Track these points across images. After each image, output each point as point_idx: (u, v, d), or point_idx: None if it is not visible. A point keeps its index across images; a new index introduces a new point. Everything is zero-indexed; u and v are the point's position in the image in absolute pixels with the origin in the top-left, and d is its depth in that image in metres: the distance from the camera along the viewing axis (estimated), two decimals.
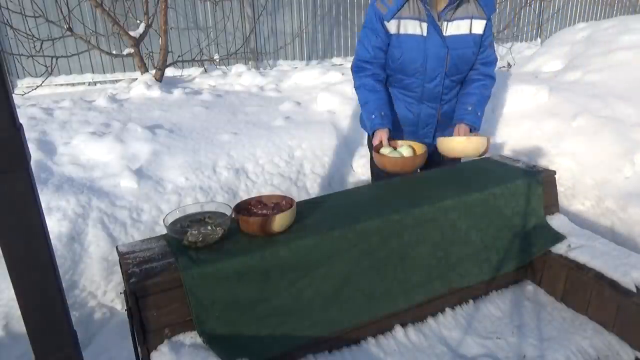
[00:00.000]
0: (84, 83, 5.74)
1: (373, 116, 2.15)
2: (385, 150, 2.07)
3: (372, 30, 2.11)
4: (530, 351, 1.68)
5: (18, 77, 5.42)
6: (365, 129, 2.42)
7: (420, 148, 2.10)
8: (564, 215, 2.17)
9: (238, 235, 1.65)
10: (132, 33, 4.87)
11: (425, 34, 2.06)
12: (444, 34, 2.06)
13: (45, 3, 5.24)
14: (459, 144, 2.06)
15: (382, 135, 2.16)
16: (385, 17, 2.05)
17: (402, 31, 2.07)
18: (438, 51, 2.08)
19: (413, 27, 2.06)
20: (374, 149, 2.13)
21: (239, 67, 5.90)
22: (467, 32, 2.09)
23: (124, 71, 5.89)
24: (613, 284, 1.74)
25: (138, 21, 5.38)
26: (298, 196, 2.89)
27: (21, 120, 1.18)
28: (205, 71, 5.97)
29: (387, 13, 2.04)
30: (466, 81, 2.26)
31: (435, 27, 2.04)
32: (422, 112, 2.27)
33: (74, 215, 2.36)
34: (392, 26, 2.07)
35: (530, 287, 2.06)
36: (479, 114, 2.22)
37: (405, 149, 2.07)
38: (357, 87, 2.24)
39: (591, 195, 2.95)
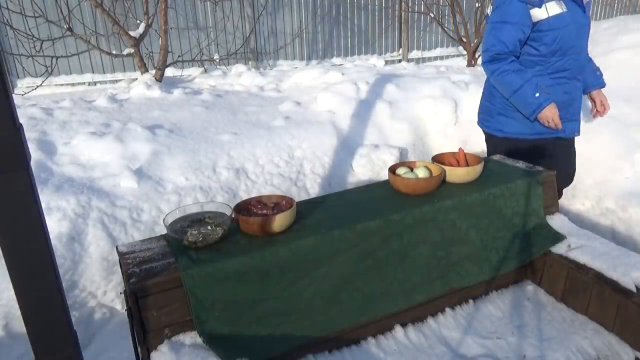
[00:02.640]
0: (84, 83, 5.73)
1: (537, 94, 2.19)
2: (401, 171, 2.01)
3: (516, 24, 2.15)
4: (530, 351, 1.68)
5: (18, 77, 5.41)
6: (489, 125, 2.48)
7: (436, 170, 2.03)
8: (564, 215, 2.17)
9: (238, 235, 1.65)
10: (132, 33, 4.87)
11: (565, 9, 2.17)
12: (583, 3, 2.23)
13: (45, 3, 5.24)
14: (463, 172, 2.02)
15: (554, 111, 2.21)
16: (538, 4, 2.13)
17: (551, 14, 2.15)
18: (582, 21, 2.22)
19: (558, 6, 2.16)
20: (389, 169, 2.01)
21: (239, 67, 5.90)
22: None
23: (124, 71, 5.88)
24: (613, 284, 1.74)
25: (138, 21, 5.37)
26: (298, 196, 2.89)
27: (21, 120, 1.18)
28: (205, 71, 5.96)
29: (539, 0, 2.13)
30: None
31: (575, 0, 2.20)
32: (574, 88, 2.34)
33: (74, 215, 2.36)
34: (541, 12, 2.15)
35: (530, 287, 2.06)
36: (598, 73, 2.46)
37: (421, 170, 2.00)
38: (501, 73, 2.23)
39: (591, 195, 2.95)
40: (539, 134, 2.37)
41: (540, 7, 2.14)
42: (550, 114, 2.22)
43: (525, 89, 2.20)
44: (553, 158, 2.40)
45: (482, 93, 2.57)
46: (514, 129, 2.39)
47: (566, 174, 2.52)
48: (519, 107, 2.30)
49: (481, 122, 2.59)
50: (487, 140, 2.59)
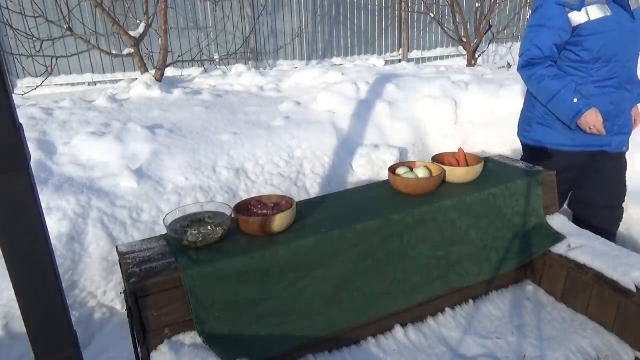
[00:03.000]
0: (84, 83, 5.73)
1: (575, 100, 2.06)
2: (401, 171, 2.01)
3: (552, 28, 2.06)
4: (530, 351, 1.68)
5: (18, 77, 5.41)
6: (527, 135, 2.34)
7: (436, 170, 2.03)
8: (564, 215, 2.17)
9: (238, 235, 1.65)
10: (132, 33, 4.87)
11: (609, 13, 2.04)
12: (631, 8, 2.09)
13: (45, 3, 5.24)
14: (463, 172, 2.02)
15: (597, 115, 2.05)
16: (577, 7, 2.02)
17: (592, 17, 2.03)
18: (629, 26, 2.07)
19: (600, 11, 2.04)
20: (389, 169, 2.01)
21: (239, 67, 5.90)
22: None
23: (124, 71, 5.89)
24: (613, 284, 1.74)
25: (138, 21, 5.37)
26: (298, 196, 2.89)
27: (21, 120, 1.18)
28: (205, 71, 5.96)
29: (578, 3, 2.02)
30: None
31: (621, 3, 2.06)
32: (621, 99, 2.17)
33: (74, 215, 2.36)
34: (581, 16, 2.04)
35: (530, 287, 2.06)
36: None
37: (421, 170, 2.00)
38: (537, 78, 2.13)
39: None
40: (581, 146, 2.21)
41: (579, 10, 2.03)
42: (591, 120, 2.07)
43: (564, 95, 2.07)
44: (600, 173, 2.27)
45: (524, 102, 2.43)
46: (554, 140, 2.25)
47: (615, 191, 2.33)
48: (558, 114, 2.17)
49: (520, 132, 2.44)
50: (524, 150, 2.45)
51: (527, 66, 2.16)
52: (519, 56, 2.21)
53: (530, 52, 2.13)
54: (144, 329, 1.44)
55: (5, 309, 2.10)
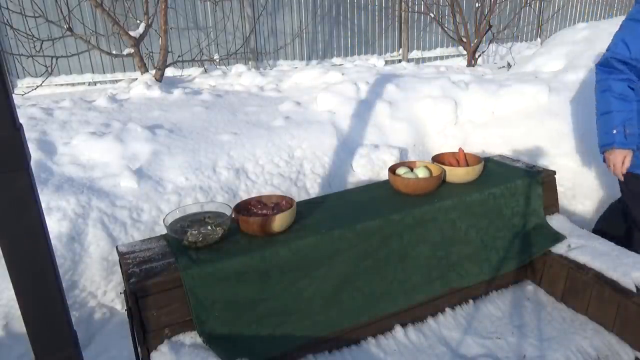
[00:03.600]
0: (84, 83, 5.73)
1: (614, 131, 1.84)
2: (401, 171, 2.02)
3: None
4: (530, 351, 1.68)
5: (18, 77, 5.41)
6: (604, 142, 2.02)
7: (436, 170, 2.04)
8: (564, 215, 2.17)
9: (238, 235, 1.65)
10: (132, 33, 4.87)
11: None
12: None
13: (45, 3, 5.24)
14: (463, 172, 2.03)
15: (622, 159, 1.84)
16: None
17: None
18: None
19: None
20: (389, 169, 2.00)
21: (239, 67, 5.89)
22: None
23: (124, 71, 5.89)
24: (613, 284, 1.74)
25: (138, 21, 5.37)
26: (298, 196, 2.89)
27: (21, 120, 1.18)
28: (205, 71, 5.96)
29: None
30: None
31: None
32: None
33: (74, 215, 2.36)
34: None
35: (530, 287, 2.06)
36: None
37: (421, 170, 2.02)
38: (602, 87, 1.91)
39: (591, 195, 2.95)
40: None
41: None
42: (613, 159, 1.88)
43: (612, 118, 1.85)
44: None
45: None
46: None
47: None
48: (598, 131, 1.97)
49: (599, 142, 2.08)
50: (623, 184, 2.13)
51: (604, 65, 1.92)
52: (606, 50, 1.95)
53: (615, 49, 1.87)
54: (144, 329, 1.44)
55: (5, 309, 2.10)
